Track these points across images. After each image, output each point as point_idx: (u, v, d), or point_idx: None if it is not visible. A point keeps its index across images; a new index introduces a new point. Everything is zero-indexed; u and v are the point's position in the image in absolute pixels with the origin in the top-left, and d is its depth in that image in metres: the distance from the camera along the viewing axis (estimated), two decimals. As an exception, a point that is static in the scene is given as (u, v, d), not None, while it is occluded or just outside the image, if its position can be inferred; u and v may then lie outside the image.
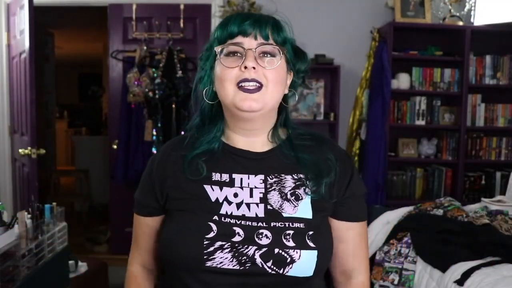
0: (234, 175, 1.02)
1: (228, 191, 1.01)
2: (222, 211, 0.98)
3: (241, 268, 0.94)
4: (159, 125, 3.54)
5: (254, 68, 0.96)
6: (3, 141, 3.89)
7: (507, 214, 2.42)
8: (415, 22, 3.68)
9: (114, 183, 3.84)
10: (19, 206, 3.67)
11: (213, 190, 1.01)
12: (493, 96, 3.78)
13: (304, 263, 0.95)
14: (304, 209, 1.00)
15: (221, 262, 0.94)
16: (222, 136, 1.07)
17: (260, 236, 0.96)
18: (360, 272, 1.10)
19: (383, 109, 3.53)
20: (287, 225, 0.97)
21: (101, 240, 4.49)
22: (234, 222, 0.97)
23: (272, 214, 0.99)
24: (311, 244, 0.96)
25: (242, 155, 1.04)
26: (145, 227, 1.11)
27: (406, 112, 3.72)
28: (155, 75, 3.52)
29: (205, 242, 0.94)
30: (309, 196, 1.01)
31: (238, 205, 0.99)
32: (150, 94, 3.48)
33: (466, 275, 1.95)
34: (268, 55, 0.99)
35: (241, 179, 1.02)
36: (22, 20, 3.32)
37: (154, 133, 3.56)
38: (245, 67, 0.96)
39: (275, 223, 0.97)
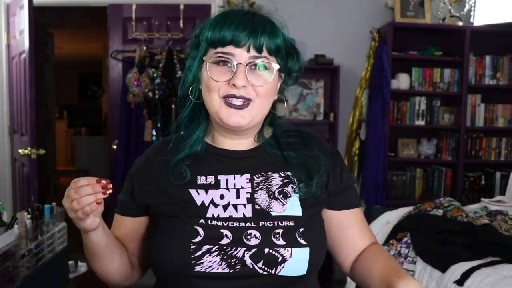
0: (219, 177, 1.00)
1: (214, 194, 0.98)
2: (209, 214, 0.96)
3: (231, 271, 0.91)
4: (159, 125, 3.54)
5: (244, 86, 0.94)
6: (3, 141, 3.88)
7: (506, 214, 2.42)
8: (415, 22, 3.68)
9: (114, 183, 3.83)
10: (19, 206, 3.67)
11: (199, 194, 0.98)
12: (492, 96, 3.77)
13: (296, 261, 0.93)
14: (293, 206, 0.98)
15: (210, 266, 0.91)
16: (206, 136, 1.05)
17: (249, 236, 0.93)
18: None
19: (383, 109, 3.52)
20: (276, 224, 0.95)
21: (101, 240, 4.48)
22: (221, 224, 0.94)
23: (260, 214, 0.96)
24: (302, 241, 0.94)
25: (226, 155, 1.03)
26: (124, 228, 1.09)
27: (406, 112, 3.72)
28: (155, 75, 3.52)
29: (192, 247, 0.92)
30: (297, 194, 0.99)
31: (225, 207, 0.97)
32: (150, 94, 3.48)
33: (466, 275, 1.94)
34: (260, 68, 0.96)
35: (227, 180, 1.00)
36: (22, 20, 3.32)
37: (154, 133, 3.56)
38: (234, 85, 0.94)
39: (263, 223, 0.95)
